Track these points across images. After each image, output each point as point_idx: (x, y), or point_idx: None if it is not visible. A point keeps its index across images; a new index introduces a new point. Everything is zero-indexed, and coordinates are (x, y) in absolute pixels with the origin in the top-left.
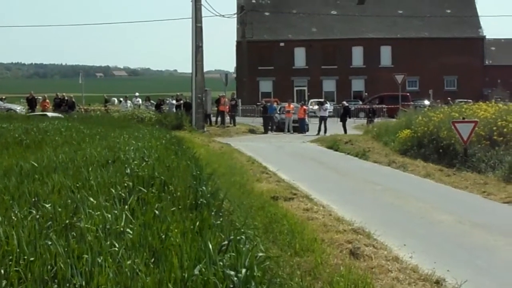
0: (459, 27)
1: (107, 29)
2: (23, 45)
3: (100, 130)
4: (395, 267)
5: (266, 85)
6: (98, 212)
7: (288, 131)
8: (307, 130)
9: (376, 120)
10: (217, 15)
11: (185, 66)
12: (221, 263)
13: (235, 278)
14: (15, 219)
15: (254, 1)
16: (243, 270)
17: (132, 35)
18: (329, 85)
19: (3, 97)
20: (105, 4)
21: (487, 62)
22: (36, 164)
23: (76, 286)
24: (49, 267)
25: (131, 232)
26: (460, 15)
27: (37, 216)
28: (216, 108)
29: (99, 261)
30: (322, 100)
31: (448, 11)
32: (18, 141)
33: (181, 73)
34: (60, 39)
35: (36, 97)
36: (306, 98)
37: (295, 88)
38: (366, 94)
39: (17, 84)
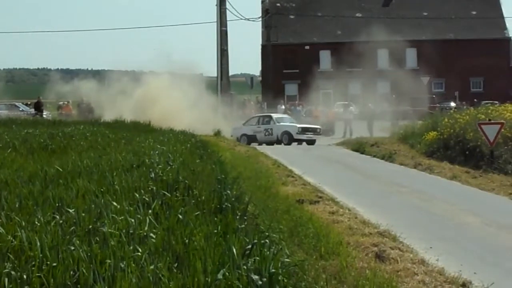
0: (484, 28)
1: (132, 33)
2: (51, 50)
3: (126, 135)
4: (421, 270)
5: (291, 88)
6: (122, 217)
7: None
8: (333, 133)
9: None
10: (242, 19)
11: (211, 70)
12: (245, 267)
13: (260, 282)
14: (38, 224)
15: (278, 4)
16: (267, 275)
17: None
18: (355, 87)
19: (29, 103)
20: (127, 10)
21: None
22: (61, 169)
23: None
24: (71, 272)
25: (154, 237)
26: (486, 16)
27: (61, 221)
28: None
29: (122, 266)
30: (347, 102)
31: (474, 12)
32: (43, 146)
33: (206, 77)
34: (84, 44)
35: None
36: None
37: (321, 91)
38: (394, 96)
39: (44, 89)
